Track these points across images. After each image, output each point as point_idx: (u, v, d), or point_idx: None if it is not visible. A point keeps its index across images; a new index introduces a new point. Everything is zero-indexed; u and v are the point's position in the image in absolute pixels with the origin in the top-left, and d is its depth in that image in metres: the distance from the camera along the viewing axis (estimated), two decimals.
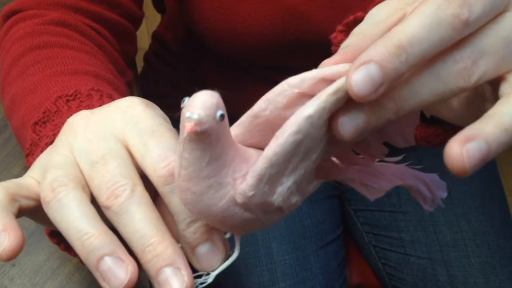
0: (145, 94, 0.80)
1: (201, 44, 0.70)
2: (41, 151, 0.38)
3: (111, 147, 0.33)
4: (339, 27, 0.37)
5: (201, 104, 0.26)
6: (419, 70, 0.26)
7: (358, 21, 0.36)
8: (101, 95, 0.42)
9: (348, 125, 0.26)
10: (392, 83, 0.25)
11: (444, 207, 0.76)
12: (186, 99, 0.26)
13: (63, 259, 0.51)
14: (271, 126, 0.29)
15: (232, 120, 0.29)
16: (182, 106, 0.26)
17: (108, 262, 0.30)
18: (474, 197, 0.79)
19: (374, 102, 0.25)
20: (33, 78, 0.47)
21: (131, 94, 0.61)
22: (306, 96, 0.28)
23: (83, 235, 0.30)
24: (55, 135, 0.38)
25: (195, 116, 0.25)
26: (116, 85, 0.49)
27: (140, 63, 0.85)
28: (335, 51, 0.38)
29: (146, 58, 0.90)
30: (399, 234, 0.80)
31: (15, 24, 0.55)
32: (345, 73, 0.26)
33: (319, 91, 0.26)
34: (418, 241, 0.79)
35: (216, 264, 0.33)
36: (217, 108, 0.26)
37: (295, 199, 0.30)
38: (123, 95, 0.48)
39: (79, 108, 0.40)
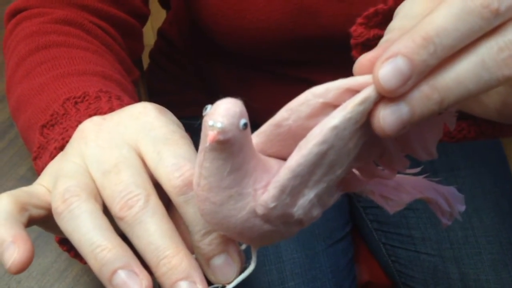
0: (151, 91, 0.79)
1: (207, 40, 0.69)
2: (50, 155, 0.37)
3: (124, 155, 0.32)
4: (359, 20, 0.36)
5: (224, 112, 0.25)
6: (464, 58, 0.25)
7: (379, 13, 0.35)
8: (110, 97, 0.41)
9: (391, 118, 0.25)
10: (421, 76, 0.24)
11: None
12: (209, 106, 0.26)
13: (70, 261, 0.51)
14: (293, 136, 0.28)
15: None
16: (204, 113, 0.26)
17: (122, 276, 0.29)
18: (485, 193, 0.79)
19: (418, 93, 0.25)
20: (40, 79, 0.46)
21: (138, 91, 0.60)
22: (330, 106, 0.27)
23: (96, 248, 0.29)
24: (63, 138, 0.37)
25: (219, 125, 0.25)
26: (124, 85, 0.49)
27: (146, 60, 0.84)
28: (354, 44, 0.37)
29: (151, 55, 0.89)
30: (410, 231, 0.80)
31: (20, 23, 0.54)
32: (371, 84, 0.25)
33: (344, 101, 0.26)
34: (429, 239, 0.78)
35: (231, 277, 0.32)
36: (241, 117, 0.25)
37: (316, 212, 0.30)
38: (131, 95, 0.47)
39: (87, 111, 0.39)
